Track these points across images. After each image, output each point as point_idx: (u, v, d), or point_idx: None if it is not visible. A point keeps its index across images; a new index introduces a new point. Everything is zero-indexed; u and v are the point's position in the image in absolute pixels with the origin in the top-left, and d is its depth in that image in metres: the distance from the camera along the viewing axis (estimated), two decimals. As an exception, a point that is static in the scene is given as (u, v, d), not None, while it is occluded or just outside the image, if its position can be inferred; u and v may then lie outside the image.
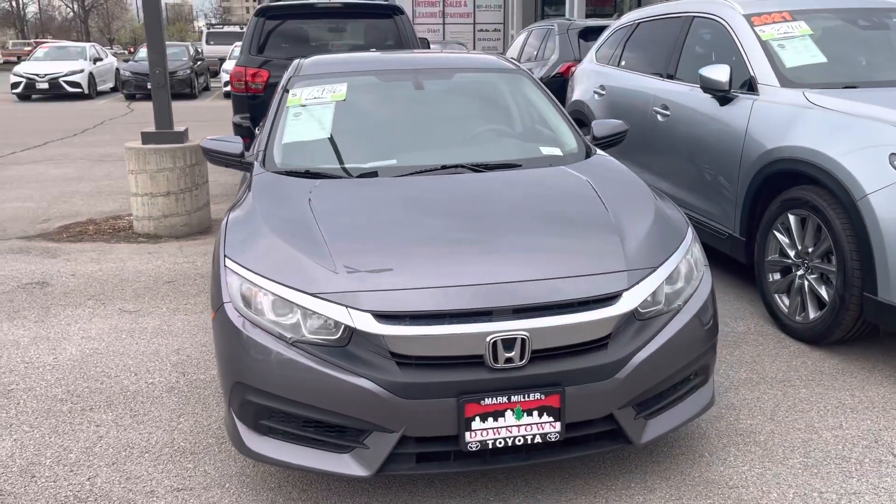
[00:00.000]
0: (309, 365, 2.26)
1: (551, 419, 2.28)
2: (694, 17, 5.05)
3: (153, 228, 6.01)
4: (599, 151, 3.48)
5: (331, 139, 3.40)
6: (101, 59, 22.04)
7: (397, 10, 7.37)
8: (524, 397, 2.25)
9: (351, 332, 2.27)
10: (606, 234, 2.62)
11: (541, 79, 8.60)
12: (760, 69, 4.21)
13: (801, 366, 3.50)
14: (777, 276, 3.93)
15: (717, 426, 2.97)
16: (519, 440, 2.28)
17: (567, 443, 2.40)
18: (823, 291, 3.60)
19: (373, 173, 3.13)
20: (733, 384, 3.32)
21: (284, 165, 3.24)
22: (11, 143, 11.82)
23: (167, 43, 6.90)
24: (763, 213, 4.02)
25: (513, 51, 10.52)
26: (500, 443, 2.27)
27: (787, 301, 3.87)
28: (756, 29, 4.41)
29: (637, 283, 2.43)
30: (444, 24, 28.91)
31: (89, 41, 58.91)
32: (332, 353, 2.27)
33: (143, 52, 21.94)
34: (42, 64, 20.43)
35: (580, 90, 6.55)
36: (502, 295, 2.31)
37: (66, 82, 19.96)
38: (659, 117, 5.07)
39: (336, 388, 2.24)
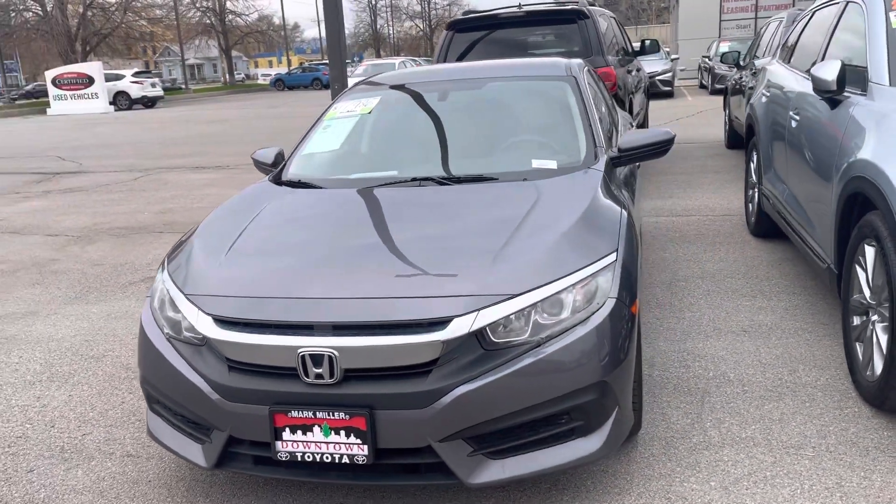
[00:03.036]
0: (167, 359, 2.49)
1: (359, 441, 2.23)
2: (848, 1, 4.22)
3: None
4: (595, 167, 3.16)
5: (338, 150, 3.58)
6: (408, 73, 24.31)
7: (581, 15, 7.19)
8: (330, 415, 2.24)
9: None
10: (480, 257, 2.44)
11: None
12: (876, 63, 3.42)
13: (837, 433, 2.82)
14: (859, 319, 3.18)
15: (645, 487, 2.56)
16: (327, 457, 2.27)
17: (401, 469, 2.31)
18: (885, 343, 2.85)
19: (346, 184, 3.25)
20: (722, 443, 2.80)
21: (293, 175, 3.50)
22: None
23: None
24: (848, 243, 3.27)
25: (762, 44, 9.49)
26: (308, 457, 2.28)
27: (862, 351, 3.12)
28: (890, 14, 3.58)
29: (477, 309, 2.24)
30: (755, 18, 26.64)
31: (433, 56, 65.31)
32: (192, 351, 2.48)
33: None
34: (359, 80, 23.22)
35: (757, 91, 5.79)
36: (329, 311, 2.31)
37: (374, 94, 22.48)
38: (793, 123, 4.34)
39: (181, 383, 2.44)
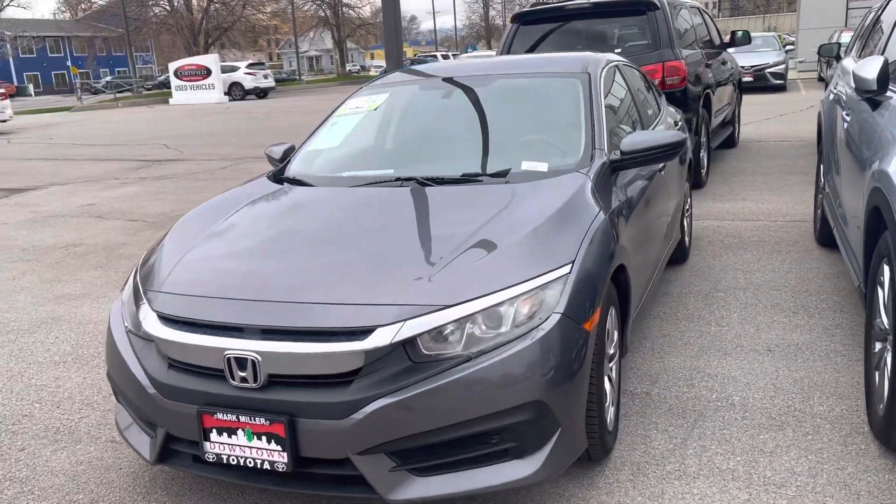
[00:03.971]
0: (121, 353, 2.54)
1: (279, 448, 2.19)
2: (914, -10, 3.80)
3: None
4: (585, 171, 2.96)
5: (338, 148, 3.55)
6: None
7: (651, 6, 6.85)
8: (252, 420, 2.21)
9: None
10: (424, 265, 2.34)
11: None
12: (920, 60, 3.06)
13: (831, 471, 2.54)
14: (880, 345, 2.86)
15: (603, 514, 2.40)
16: (250, 462, 2.24)
17: (326, 479, 2.26)
18: (890, 373, 2.54)
19: (335, 182, 3.22)
20: (698, 473, 2.58)
21: (292, 172, 3.50)
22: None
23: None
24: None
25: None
26: (233, 460, 2.26)
27: (878, 380, 2.80)
28: (947, 4, 3.19)
29: (403, 320, 2.15)
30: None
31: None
32: (143, 346, 2.51)
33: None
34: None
35: (828, 88, 5.34)
36: (260, 314, 2.28)
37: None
38: (844, 124, 3.96)
39: (129, 377, 2.48)
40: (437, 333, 2.17)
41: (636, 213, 3.19)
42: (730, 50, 19.64)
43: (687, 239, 5.07)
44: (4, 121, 20.99)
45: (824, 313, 3.99)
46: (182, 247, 2.77)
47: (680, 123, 4.81)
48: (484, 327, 2.21)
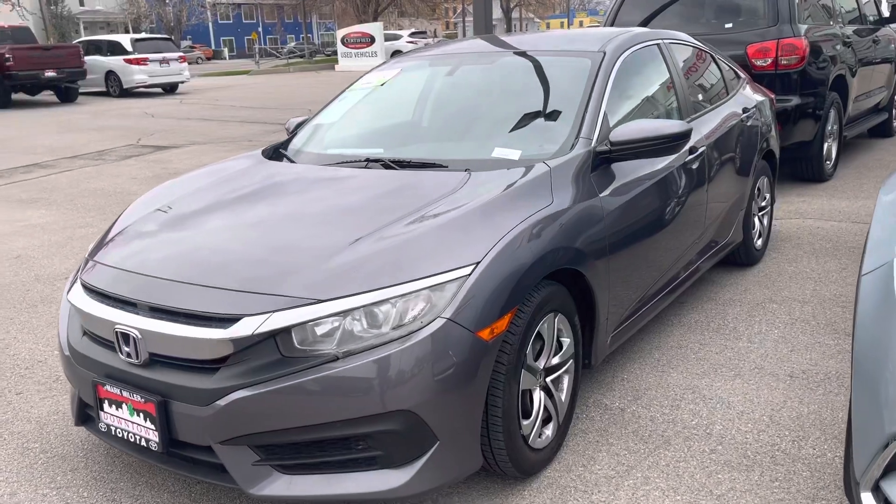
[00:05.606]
0: (60, 314, 2.64)
1: (152, 427, 2.18)
2: None
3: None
4: (552, 162, 2.68)
5: (337, 124, 3.47)
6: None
7: (770, -24, 6.13)
8: (132, 396, 2.21)
9: None
10: (320, 254, 2.23)
11: None
12: None
13: (777, 530, 2.17)
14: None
15: (493, 540, 2.19)
16: (131, 437, 2.25)
17: (201, 463, 2.23)
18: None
19: (313, 159, 3.16)
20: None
21: (291, 146, 3.46)
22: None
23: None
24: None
25: None
26: (119, 433, 2.29)
27: (872, 432, 2.35)
28: None
29: (271, 311, 2.05)
30: None
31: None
32: (75, 310, 2.58)
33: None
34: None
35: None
36: (152, 291, 2.26)
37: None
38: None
39: (59, 338, 2.57)
40: (309, 328, 2.06)
41: (634, 212, 2.88)
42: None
43: (759, 241, 4.54)
44: (182, 82, 22.72)
45: (884, 339, 3.42)
46: (129, 219, 2.83)
47: (753, 112, 4.27)
48: (365, 325, 2.07)
